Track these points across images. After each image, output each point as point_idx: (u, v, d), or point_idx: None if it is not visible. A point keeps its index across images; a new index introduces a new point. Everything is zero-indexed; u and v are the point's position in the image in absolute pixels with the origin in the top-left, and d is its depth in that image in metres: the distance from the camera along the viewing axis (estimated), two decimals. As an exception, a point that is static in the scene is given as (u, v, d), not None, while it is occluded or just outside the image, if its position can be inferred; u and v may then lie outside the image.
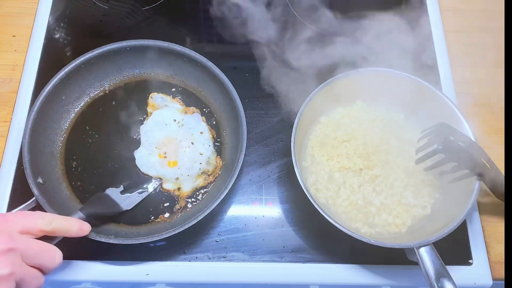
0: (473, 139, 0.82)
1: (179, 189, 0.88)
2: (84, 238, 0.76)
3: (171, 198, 0.88)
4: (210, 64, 0.93)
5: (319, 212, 0.76)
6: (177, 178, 0.88)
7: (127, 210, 0.85)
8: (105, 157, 0.91)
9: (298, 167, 0.79)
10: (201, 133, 0.91)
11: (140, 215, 0.85)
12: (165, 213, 0.86)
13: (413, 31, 1.02)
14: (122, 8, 1.10)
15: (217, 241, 0.86)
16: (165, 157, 0.89)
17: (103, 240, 0.77)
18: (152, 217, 0.86)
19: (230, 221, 0.88)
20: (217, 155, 0.91)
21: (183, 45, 0.94)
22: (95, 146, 0.92)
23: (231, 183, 0.81)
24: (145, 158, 0.90)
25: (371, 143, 0.89)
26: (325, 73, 0.93)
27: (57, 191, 0.86)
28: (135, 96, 0.97)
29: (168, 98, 0.96)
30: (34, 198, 0.79)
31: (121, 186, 0.87)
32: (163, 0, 1.11)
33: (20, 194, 0.86)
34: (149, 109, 0.95)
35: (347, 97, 0.93)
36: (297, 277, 0.84)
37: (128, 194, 0.86)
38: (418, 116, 0.92)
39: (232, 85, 0.91)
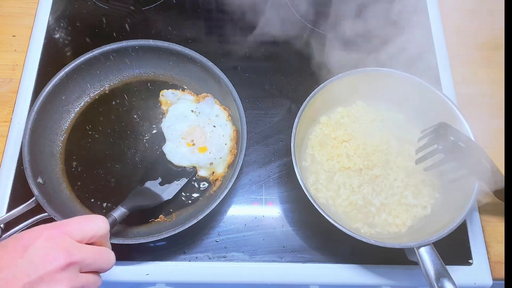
0: (473, 139, 0.82)
1: (213, 173, 0.90)
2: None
3: (207, 182, 0.90)
4: (210, 64, 0.93)
5: (319, 212, 0.76)
6: (211, 163, 0.89)
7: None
8: (106, 157, 0.91)
9: (298, 167, 0.79)
10: (217, 116, 0.93)
11: (140, 215, 0.85)
12: (190, 201, 0.88)
13: (413, 31, 1.02)
14: (122, 8, 1.10)
15: (217, 241, 0.86)
16: (193, 144, 0.90)
17: (103, 240, 0.77)
18: (152, 217, 0.86)
19: (230, 221, 0.88)
20: (232, 126, 0.92)
21: (183, 45, 0.94)
22: (95, 146, 0.92)
23: (231, 183, 0.81)
24: (174, 151, 0.91)
25: (371, 143, 0.89)
26: (324, 71, 0.94)
27: (57, 191, 0.86)
28: (135, 96, 0.97)
29: (178, 92, 0.97)
30: (34, 198, 0.79)
31: (159, 178, 0.88)
32: (163, 0, 1.11)
33: (20, 194, 0.87)
34: (163, 107, 0.96)
35: (347, 97, 0.93)
36: (297, 277, 0.84)
37: (167, 184, 0.87)
38: (418, 116, 0.92)
39: (232, 85, 0.91)
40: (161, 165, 0.90)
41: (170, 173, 0.89)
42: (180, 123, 0.92)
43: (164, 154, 0.91)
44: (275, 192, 0.91)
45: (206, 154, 0.89)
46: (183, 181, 0.88)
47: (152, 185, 0.87)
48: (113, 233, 0.82)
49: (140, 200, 0.82)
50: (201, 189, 0.89)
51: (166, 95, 0.96)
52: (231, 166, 0.89)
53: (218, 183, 0.89)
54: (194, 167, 0.90)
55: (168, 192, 0.86)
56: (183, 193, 0.89)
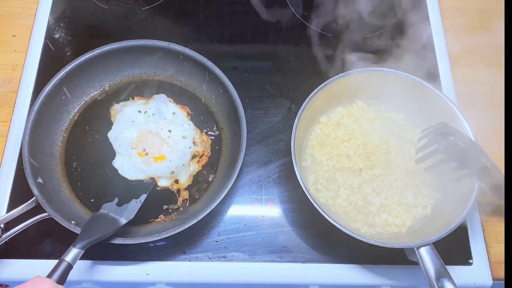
0: (473, 139, 0.82)
1: (176, 181, 0.86)
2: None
3: (171, 193, 0.87)
4: (210, 64, 0.93)
5: (319, 212, 0.76)
6: (173, 172, 0.84)
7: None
8: (105, 157, 0.91)
9: (298, 167, 0.79)
10: (174, 113, 0.85)
11: (140, 215, 0.85)
12: (169, 210, 0.86)
13: (413, 31, 1.02)
14: (122, 8, 1.10)
15: (217, 241, 0.86)
16: (146, 154, 0.83)
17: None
18: (152, 217, 0.86)
19: (230, 221, 0.88)
20: (201, 132, 0.87)
21: (183, 45, 0.94)
22: (95, 146, 0.92)
23: (231, 183, 0.81)
24: (126, 165, 0.85)
25: (371, 143, 0.89)
26: (324, 71, 0.94)
27: (57, 191, 0.86)
28: (135, 96, 0.97)
29: (128, 102, 0.91)
30: (34, 198, 0.79)
31: (116, 198, 0.83)
32: (163, 0, 1.11)
33: (20, 194, 0.86)
34: (112, 120, 0.92)
35: (347, 97, 0.93)
36: (297, 277, 0.84)
37: (125, 204, 0.82)
38: (418, 116, 0.92)
39: (232, 85, 0.91)
40: (115, 182, 0.85)
41: (126, 190, 0.84)
42: (127, 131, 0.83)
43: (116, 170, 0.85)
44: (275, 192, 0.91)
45: (165, 162, 0.82)
46: (143, 197, 0.83)
47: (109, 208, 0.81)
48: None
49: (96, 231, 0.75)
50: (200, 189, 0.89)
51: (115, 107, 0.90)
52: (222, 182, 0.83)
53: (185, 195, 0.85)
54: (152, 178, 0.85)
55: (127, 213, 0.80)
56: (182, 193, 0.88)
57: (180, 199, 0.86)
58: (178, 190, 0.87)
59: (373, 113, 0.93)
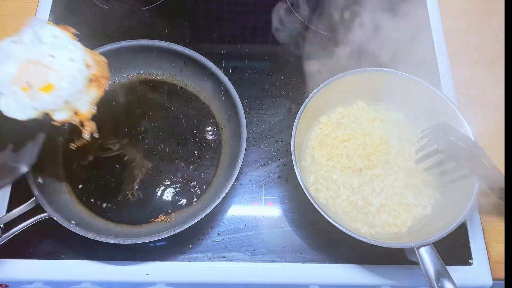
0: (473, 139, 0.82)
1: (76, 113, 0.73)
2: (85, 238, 0.76)
3: (74, 127, 0.75)
4: (210, 64, 0.93)
5: (319, 212, 0.76)
6: (67, 102, 0.71)
7: (119, 207, 0.80)
8: (106, 157, 0.91)
9: (298, 167, 0.79)
10: (55, 36, 0.73)
11: (140, 215, 0.85)
12: (168, 210, 0.85)
13: (413, 31, 1.02)
14: (122, 8, 1.10)
15: (217, 241, 0.86)
16: (30, 87, 0.70)
17: (103, 240, 0.77)
18: (152, 217, 0.86)
19: (230, 221, 0.88)
20: (91, 49, 0.76)
21: (183, 45, 0.94)
22: (95, 146, 0.92)
23: (231, 183, 0.81)
24: (11, 104, 0.70)
25: (371, 143, 0.89)
26: (324, 72, 0.94)
27: (57, 191, 0.86)
28: (135, 96, 0.97)
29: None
30: (34, 198, 0.79)
31: (9, 144, 0.73)
32: (163, 0, 1.11)
33: (20, 194, 0.86)
34: None
35: (347, 97, 0.93)
36: (297, 277, 0.84)
37: (22, 148, 0.73)
38: (418, 116, 0.92)
39: (232, 85, 0.91)
40: (5, 127, 0.72)
41: (19, 132, 0.73)
42: (4, 66, 0.70)
43: (1, 112, 0.70)
44: (275, 192, 0.91)
45: (54, 93, 0.69)
46: (40, 136, 0.73)
47: (4, 156, 0.72)
48: (114, 233, 0.82)
49: None
50: (200, 189, 0.89)
51: None
52: (222, 182, 0.81)
53: (90, 125, 0.73)
54: (47, 114, 0.71)
55: (27, 158, 0.72)
56: (182, 193, 0.89)
57: (86, 132, 0.74)
58: (81, 123, 0.74)
59: (373, 113, 0.93)
